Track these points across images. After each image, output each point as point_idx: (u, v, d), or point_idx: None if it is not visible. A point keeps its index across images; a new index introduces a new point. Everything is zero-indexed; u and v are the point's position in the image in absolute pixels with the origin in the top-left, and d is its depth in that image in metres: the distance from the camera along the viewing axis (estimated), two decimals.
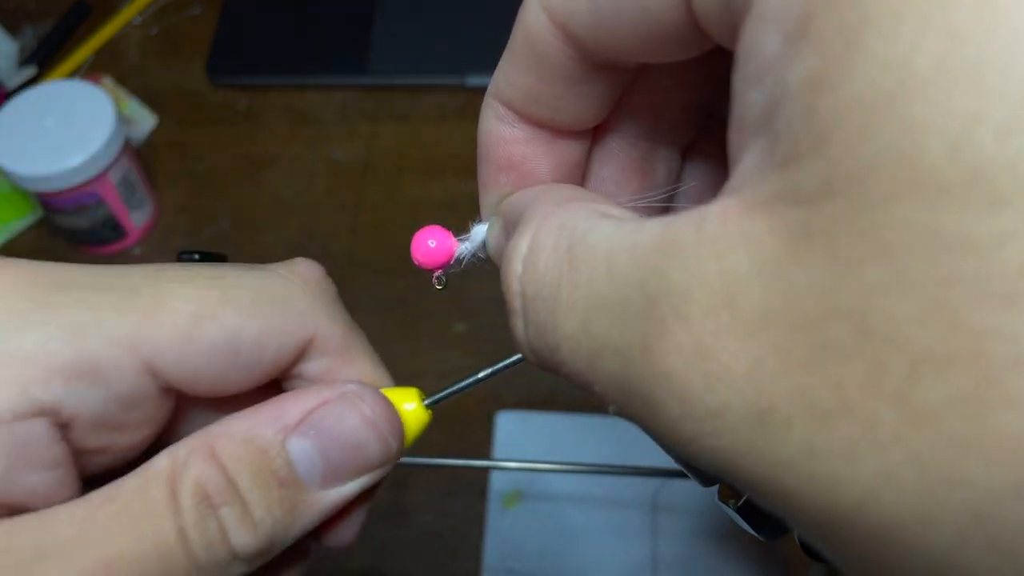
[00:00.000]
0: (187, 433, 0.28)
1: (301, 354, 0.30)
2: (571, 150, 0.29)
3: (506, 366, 0.32)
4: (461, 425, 0.77)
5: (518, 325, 0.22)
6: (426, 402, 0.32)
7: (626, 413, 0.19)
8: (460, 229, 0.32)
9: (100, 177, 0.80)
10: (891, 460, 0.14)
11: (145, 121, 0.96)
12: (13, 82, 0.97)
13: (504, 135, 0.28)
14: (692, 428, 0.17)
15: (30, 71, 0.98)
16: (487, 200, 0.30)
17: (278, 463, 0.27)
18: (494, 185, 0.29)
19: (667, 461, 0.32)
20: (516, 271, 0.22)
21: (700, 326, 0.16)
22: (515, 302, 0.22)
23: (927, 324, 0.14)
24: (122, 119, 0.83)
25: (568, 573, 0.71)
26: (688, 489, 0.72)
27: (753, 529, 0.30)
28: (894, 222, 0.14)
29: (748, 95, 0.17)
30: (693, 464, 0.18)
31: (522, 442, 0.76)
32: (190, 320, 0.27)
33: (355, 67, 0.97)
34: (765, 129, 0.16)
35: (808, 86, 0.15)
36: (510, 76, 0.27)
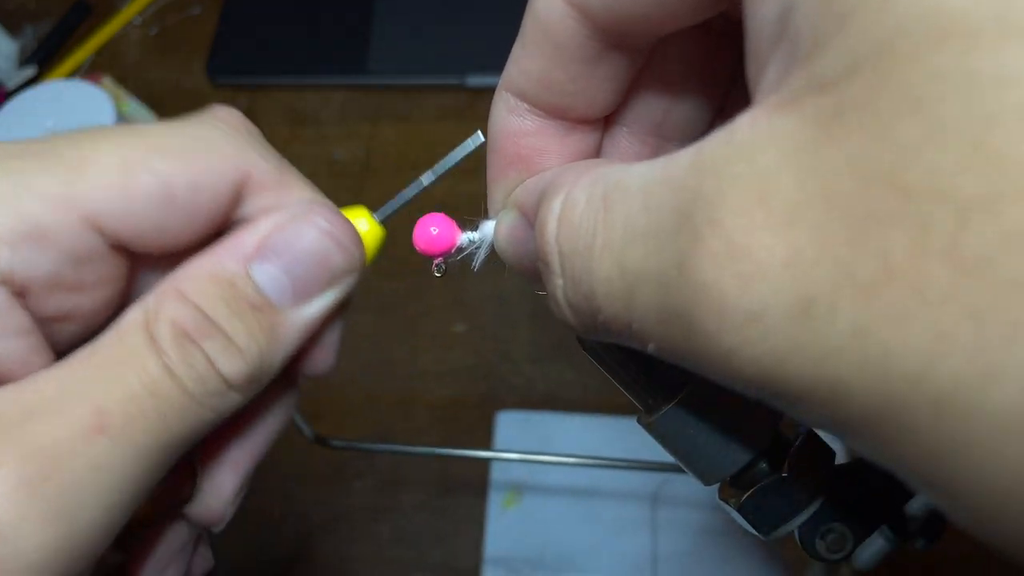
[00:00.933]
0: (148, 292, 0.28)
1: (238, 195, 0.30)
2: (581, 144, 0.29)
3: (448, 164, 0.32)
4: (461, 425, 0.77)
5: (558, 284, 0.22)
6: (377, 216, 0.32)
7: (666, 345, 0.19)
8: (461, 225, 0.32)
9: None
10: (946, 319, 0.14)
11: (145, 121, 0.96)
12: (13, 82, 0.97)
13: (515, 127, 0.29)
14: (731, 339, 0.17)
15: (30, 71, 0.98)
16: (495, 195, 0.30)
17: (248, 290, 0.27)
18: (502, 179, 0.30)
19: (667, 457, 0.32)
20: (551, 231, 0.22)
21: (732, 227, 0.16)
22: (553, 261, 0.22)
23: (970, 168, 0.14)
24: (122, 119, 0.83)
25: (568, 569, 0.71)
26: (688, 486, 0.73)
27: (753, 528, 0.30)
28: (926, 76, 0.14)
29: (760, 13, 0.17)
30: (737, 387, 0.18)
31: (522, 442, 0.76)
32: (119, 171, 0.27)
33: (355, 67, 0.97)
34: (782, 37, 0.17)
35: None
36: (523, 65, 0.27)
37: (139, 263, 0.31)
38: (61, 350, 0.28)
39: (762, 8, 0.17)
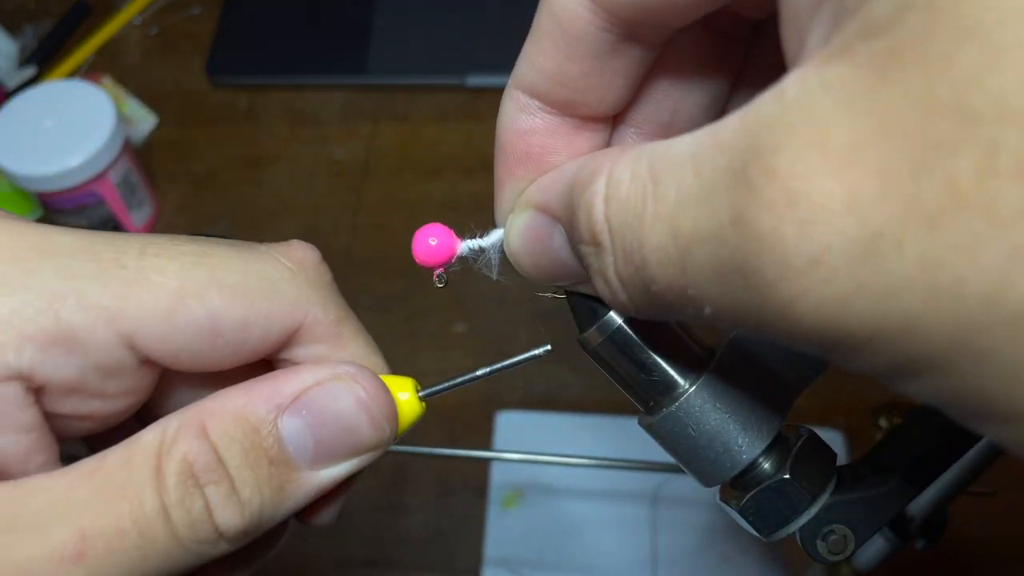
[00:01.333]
0: (175, 403, 0.28)
1: (289, 339, 0.30)
2: (590, 143, 0.29)
3: (506, 366, 0.32)
4: (461, 425, 0.77)
5: (608, 262, 0.22)
6: (421, 394, 0.32)
7: (724, 305, 0.19)
8: (460, 229, 0.32)
9: (100, 177, 0.80)
10: (1020, 236, 0.14)
11: (145, 121, 0.96)
12: (13, 82, 0.97)
13: (524, 126, 0.28)
14: (792, 287, 0.17)
15: (30, 71, 0.98)
16: (505, 196, 0.30)
17: (269, 441, 0.27)
18: (511, 180, 0.29)
19: (667, 458, 0.32)
20: (599, 210, 0.22)
21: (789, 175, 0.17)
22: (604, 239, 0.22)
23: None
24: (122, 119, 0.83)
25: (568, 568, 0.71)
26: (688, 487, 0.72)
27: (754, 529, 0.30)
28: (980, 6, 0.14)
29: None
30: (795, 342, 0.18)
31: (522, 441, 0.76)
32: (172, 297, 0.27)
33: (355, 67, 0.97)
34: (823, 1, 0.17)
35: None
36: (535, 60, 0.27)
37: (173, 375, 0.31)
38: (69, 439, 0.28)
39: None
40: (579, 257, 0.24)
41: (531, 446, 0.75)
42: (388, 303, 0.84)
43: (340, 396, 0.28)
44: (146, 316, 0.27)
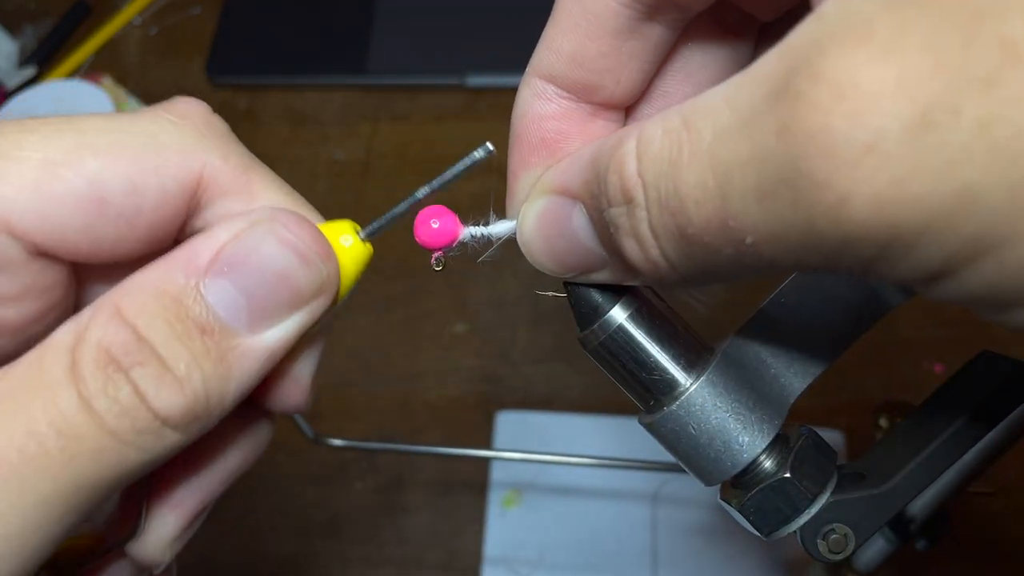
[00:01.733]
0: None
1: (193, 200, 0.26)
2: (603, 131, 0.29)
3: (448, 178, 0.29)
4: (461, 425, 0.77)
5: (640, 216, 0.22)
6: (362, 234, 0.29)
7: (770, 226, 0.19)
8: (461, 223, 0.32)
9: None
10: None
11: None
12: (13, 82, 0.97)
13: (540, 111, 0.29)
14: (845, 181, 0.17)
15: (30, 71, 0.98)
16: (520, 185, 0.30)
17: (196, 310, 0.23)
18: (525, 169, 0.29)
19: (667, 457, 0.32)
20: (630, 167, 0.22)
21: (835, 71, 0.17)
22: (637, 193, 0.22)
23: None
24: None
25: (568, 568, 0.71)
26: (689, 486, 0.72)
27: (754, 528, 0.30)
28: None
29: None
30: (847, 253, 0.18)
31: (522, 442, 0.76)
32: (39, 168, 0.24)
33: (355, 67, 0.97)
34: None
35: None
36: (554, 42, 0.27)
37: (86, 276, 0.28)
38: None
39: None
40: (604, 228, 0.24)
41: (531, 446, 0.75)
42: (388, 303, 0.84)
43: (262, 241, 0.25)
44: (14, 195, 0.24)
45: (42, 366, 0.23)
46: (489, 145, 0.27)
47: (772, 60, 0.19)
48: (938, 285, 0.18)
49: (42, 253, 0.25)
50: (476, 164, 0.28)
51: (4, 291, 0.25)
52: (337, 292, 0.26)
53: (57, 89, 0.83)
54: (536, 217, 0.28)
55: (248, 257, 0.24)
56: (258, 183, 0.27)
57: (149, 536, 0.29)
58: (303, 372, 0.29)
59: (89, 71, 1.00)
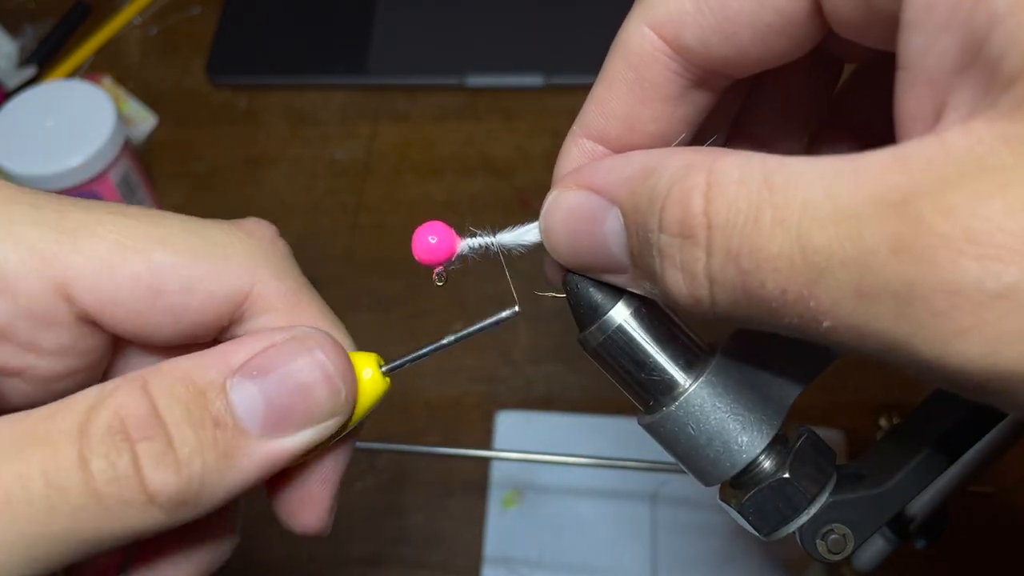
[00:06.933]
0: None
1: (239, 308, 0.28)
2: None
3: (473, 332, 0.31)
4: (461, 425, 0.77)
5: (698, 257, 0.22)
6: (384, 368, 0.30)
7: (857, 323, 0.20)
8: (460, 229, 0.32)
9: (100, 177, 0.80)
10: None
11: (145, 121, 0.96)
12: (13, 82, 0.97)
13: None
14: (965, 319, 0.18)
15: (30, 71, 0.98)
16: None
17: (217, 404, 0.25)
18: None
19: (667, 457, 0.32)
20: (697, 204, 0.22)
21: (968, 213, 0.17)
22: (699, 233, 0.22)
23: None
24: (122, 119, 0.83)
25: (568, 569, 0.71)
26: (688, 486, 0.72)
27: (753, 528, 0.30)
28: None
29: (936, 47, 0.20)
30: (942, 375, 0.19)
31: (522, 441, 0.76)
32: (111, 248, 0.26)
33: (355, 67, 0.97)
34: (974, 62, 0.19)
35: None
36: (607, 106, 0.28)
37: (127, 346, 0.29)
38: (11, 406, 0.27)
39: (936, 45, 0.20)
40: (640, 244, 0.24)
41: (531, 446, 0.75)
42: (388, 303, 0.84)
43: (294, 356, 0.26)
44: (82, 265, 0.25)
45: (55, 419, 0.23)
46: (517, 308, 0.30)
47: (885, 166, 0.19)
48: None
49: (89, 320, 0.27)
50: (503, 322, 0.30)
51: (44, 345, 0.27)
52: (350, 418, 0.28)
53: (57, 89, 0.83)
54: (567, 210, 0.28)
55: (278, 365, 0.26)
56: (306, 305, 0.29)
57: None
58: (322, 495, 0.30)
59: (89, 71, 1.00)
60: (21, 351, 0.27)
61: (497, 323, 0.30)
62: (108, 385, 0.24)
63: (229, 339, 0.27)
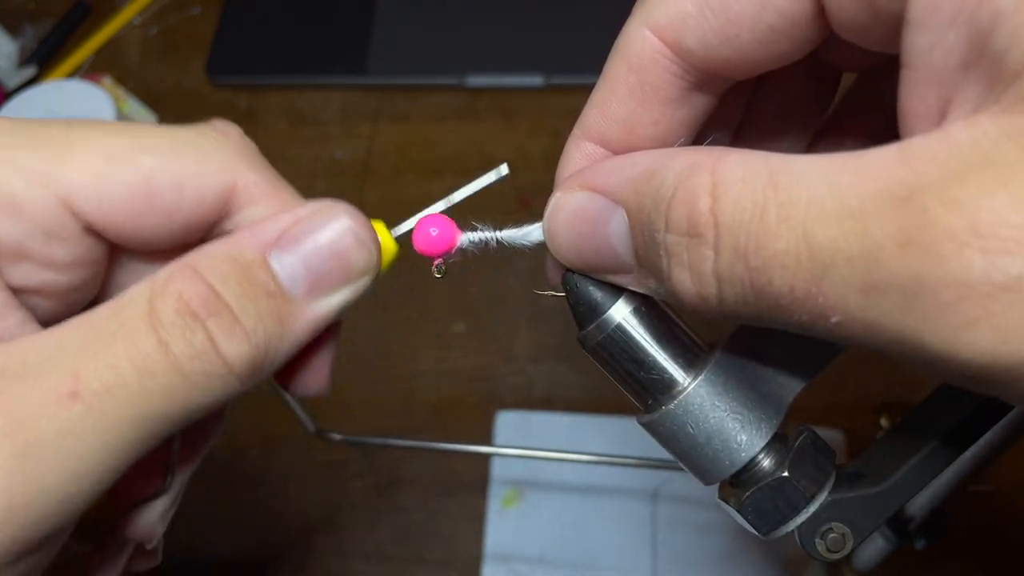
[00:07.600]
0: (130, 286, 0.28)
1: (225, 204, 0.30)
2: None
3: (466, 193, 0.32)
4: (461, 424, 0.77)
5: (706, 255, 0.23)
6: (394, 232, 0.32)
7: (865, 317, 0.20)
8: (460, 227, 0.32)
9: None
10: None
11: (145, 121, 0.96)
12: (13, 82, 0.97)
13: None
14: (972, 310, 0.18)
15: (30, 71, 0.98)
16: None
17: (264, 277, 0.27)
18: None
19: (667, 455, 0.32)
20: (703, 203, 0.22)
21: (975, 208, 0.18)
22: (706, 232, 0.22)
23: None
24: (122, 119, 0.83)
25: (567, 566, 0.71)
26: (688, 485, 0.73)
27: (753, 527, 0.30)
28: None
29: (940, 44, 0.20)
30: (947, 367, 0.19)
31: (522, 441, 0.76)
32: (101, 159, 0.27)
33: (355, 67, 0.97)
34: (979, 59, 0.19)
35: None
36: (607, 108, 0.29)
37: (120, 255, 0.31)
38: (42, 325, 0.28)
39: (941, 42, 0.20)
40: (645, 244, 0.25)
41: (531, 445, 0.75)
42: (388, 303, 0.84)
43: (324, 223, 0.28)
44: (79, 178, 0.27)
45: (121, 315, 0.25)
46: (505, 168, 0.31)
47: (890, 162, 0.19)
48: None
49: (93, 231, 0.28)
50: (495, 183, 0.31)
51: (59, 259, 0.28)
52: (377, 275, 0.30)
53: (57, 89, 0.84)
54: (571, 211, 0.28)
55: (312, 236, 0.28)
56: (286, 195, 0.31)
57: (144, 513, 0.32)
58: (323, 361, 0.32)
59: (89, 71, 1.00)
60: (39, 268, 0.28)
61: (489, 183, 0.31)
62: (159, 275, 0.26)
63: (219, 235, 0.29)
